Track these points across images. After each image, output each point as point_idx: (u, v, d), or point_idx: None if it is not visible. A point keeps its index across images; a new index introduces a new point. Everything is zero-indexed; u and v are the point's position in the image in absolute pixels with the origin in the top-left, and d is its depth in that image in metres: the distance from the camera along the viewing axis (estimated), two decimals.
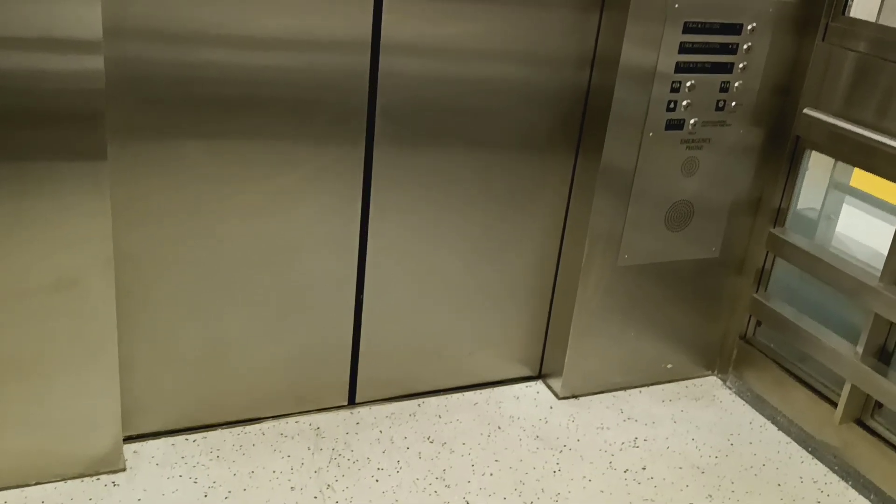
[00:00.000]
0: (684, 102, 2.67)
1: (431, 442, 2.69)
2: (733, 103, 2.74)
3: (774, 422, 2.97)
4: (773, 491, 2.65)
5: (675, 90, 2.65)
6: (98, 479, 2.39)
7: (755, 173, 2.91)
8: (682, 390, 3.12)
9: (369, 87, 2.44)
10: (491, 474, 2.58)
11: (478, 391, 2.97)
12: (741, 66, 2.70)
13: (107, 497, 2.34)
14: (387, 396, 2.85)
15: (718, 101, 2.72)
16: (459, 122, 2.58)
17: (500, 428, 2.79)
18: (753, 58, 2.71)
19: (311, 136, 2.40)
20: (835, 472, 2.75)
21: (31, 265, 2.14)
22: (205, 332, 2.51)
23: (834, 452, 2.77)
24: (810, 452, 2.84)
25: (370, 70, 2.42)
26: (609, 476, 2.63)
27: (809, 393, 2.86)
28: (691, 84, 2.66)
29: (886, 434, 2.64)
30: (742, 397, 3.10)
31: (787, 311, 2.91)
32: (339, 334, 2.69)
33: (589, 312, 2.88)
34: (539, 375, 3.08)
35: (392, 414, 2.80)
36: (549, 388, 3.02)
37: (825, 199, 3.00)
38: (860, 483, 2.68)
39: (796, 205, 2.95)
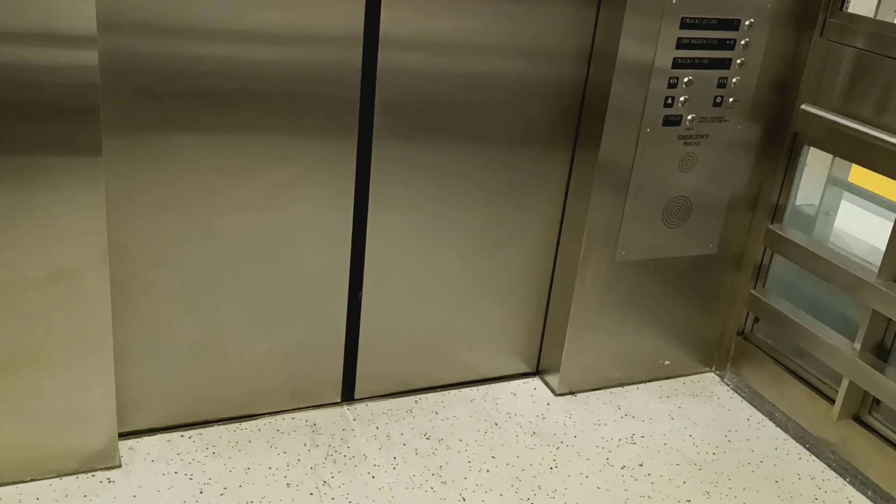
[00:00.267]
0: (682, 98, 2.66)
1: (428, 438, 2.68)
2: (731, 99, 2.74)
3: (772, 418, 2.97)
4: (770, 487, 2.65)
5: (672, 86, 2.64)
6: (93, 475, 2.39)
7: (753, 169, 2.90)
8: (679, 386, 3.11)
9: (367, 81, 2.43)
10: (487, 471, 2.58)
11: (475, 387, 2.96)
12: (739, 61, 2.69)
13: (102, 493, 2.33)
14: (384, 392, 2.85)
15: (716, 97, 2.72)
16: (458, 116, 2.58)
17: (496, 424, 2.79)
18: (751, 54, 2.70)
19: (306, 129, 2.39)
20: (832, 468, 2.75)
21: (26, 259, 2.13)
22: (201, 327, 2.50)
23: (832, 449, 2.76)
24: (808, 449, 2.83)
25: (368, 64, 2.41)
26: (606, 472, 2.63)
27: (807, 389, 2.85)
28: (689, 80, 2.65)
29: (884, 430, 2.63)
30: (740, 393, 3.10)
31: (785, 308, 2.91)
32: (337, 329, 2.68)
33: (586, 308, 2.87)
34: (536, 371, 3.07)
35: (389, 410, 2.79)
36: (547, 384, 3.02)
37: (823, 195, 2.99)
38: (858, 479, 2.67)
39: (794, 201, 2.94)
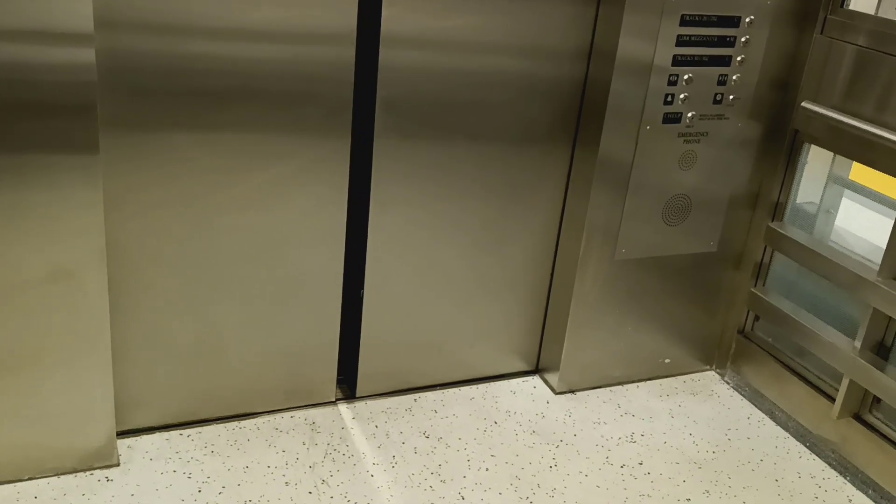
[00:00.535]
0: (682, 96, 2.66)
1: (427, 437, 2.68)
2: (731, 97, 2.73)
3: (772, 417, 2.96)
4: (770, 486, 2.64)
5: (672, 83, 2.63)
6: (91, 473, 2.38)
7: (753, 167, 2.89)
8: (679, 385, 3.11)
9: (368, 79, 2.43)
10: (486, 469, 2.57)
11: (474, 386, 2.96)
12: (739, 59, 2.68)
13: (100, 492, 2.33)
14: (383, 391, 2.84)
15: (716, 95, 2.71)
16: (458, 115, 2.57)
17: (496, 423, 2.78)
18: (751, 51, 2.69)
19: (301, 128, 2.38)
20: (833, 467, 2.74)
21: (24, 258, 2.13)
22: (200, 326, 2.50)
23: (832, 447, 2.75)
24: (808, 447, 2.82)
25: (370, 63, 2.41)
26: (605, 471, 2.62)
27: (807, 388, 2.84)
28: (689, 77, 2.64)
29: (884, 429, 2.63)
30: (740, 392, 3.09)
31: (786, 306, 2.90)
32: (334, 327, 2.68)
33: (586, 307, 2.87)
34: (536, 370, 3.07)
35: (388, 409, 2.79)
36: (546, 382, 3.01)
37: (824, 193, 2.98)
38: (858, 478, 2.67)
39: (795, 199, 2.93)
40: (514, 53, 2.56)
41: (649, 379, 3.11)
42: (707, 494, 2.58)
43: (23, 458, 2.31)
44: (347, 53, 2.35)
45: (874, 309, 2.57)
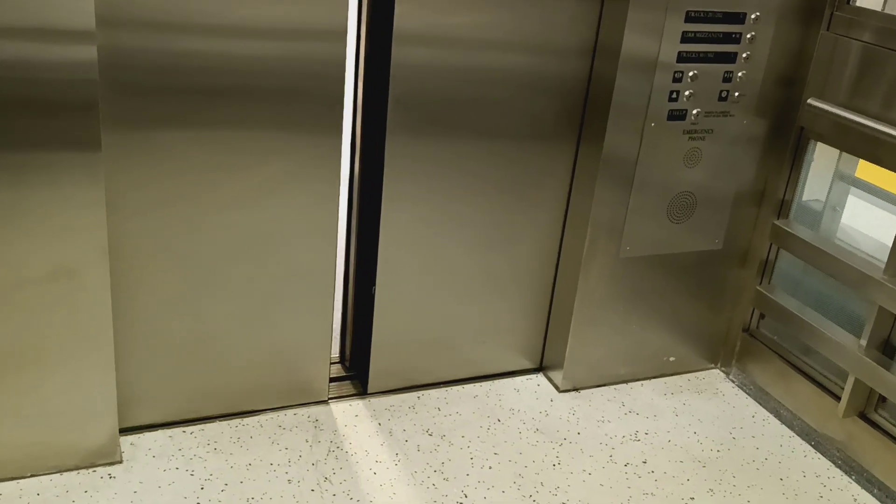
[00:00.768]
0: (686, 92, 2.64)
1: (430, 434, 2.67)
2: (737, 94, 2.71)
3: (777, 415, 2.95)
4: (775, 485, 2.63)
5: (677, 80, 2.62)
6: (94, 471, 2.38)
7: (759, 164, 2.88)
8: (684, 383, 3.10)
9: (381, 77, 2.44)
10: (490, 467, 2.57)
11: (478, 384, 2.95)
12: (745, 55, 2.67)
13: (103, 489, 2.33)
14: (391, 388, 2.84)
15: (721, 92, 2.69)
16: (464, 111, 2.57)
17: (499, 421, 2.78)
18: (757, 47, 2.68)
19: (295, 124, 2.37)
20: (838, 466, 2.73)
21: (26, 256, 2.13)
22: (202, 323, 2.49)
23: (837, 446, 2.74)
24: (813, 446, 2.81)
25: (382, 60, 2.42)
26: (609, 469, 2.61)
27: (813, 386, 2.83)
28: (694, 74, 2.62)
29: (890, 428, 2.61)
30: (745, 390, 3.08)
31: (791, 304, 2.88)
32: (328, 325, 2.67)
33: (590, 304, 2.86)
34: (540, 368, 3.06)
35: (391, 406, 2.78)
36: (550, 380, 3.00)
37: (830, 190, 2.97)
38: (864, 477, 2.65)
39: (801, 196, 2.92)
40: (519, 50, 2.56)
41: (654, 377, 3.10)
42: (711, 493, 2.57)
43: (25, 455, 2.31)
44: (340, 50, 2.33)
45: (880, 307, 2.56)
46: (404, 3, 2.36)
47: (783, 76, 2.77)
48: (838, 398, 2.73)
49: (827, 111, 2.64)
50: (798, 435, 2.86)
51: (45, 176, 2.07)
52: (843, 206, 2.96)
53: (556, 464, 2.61)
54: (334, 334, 2.73)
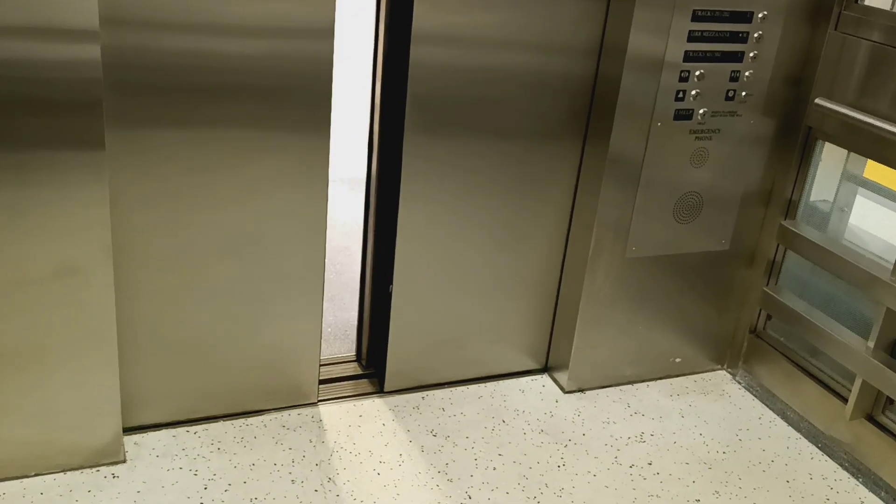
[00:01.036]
0: (693, 92, 2.63)
1: (434, 435, 2.66)
2: (744, 93, 2.70)
3: (784, 417, 2.93)
4: (781, 487, 2.61)
5: (683, 79, 2.61)
6: (98, 470, 2.38)
7: (766, 164, 2.86)
8: (690, 384, 3.08)
9: (399, 77, 2.45)
10: (494, 468, 2.56)
11: (483, 384, 2.94)
12: (752, 55, 2.65)
13: (106, 488, 2.33)
14: (391, 388, 2.83)
15: (728, 91, 2.68)
16: (475, 110, 2.57)
17: (504, 421, 2.77)
18: (764, 47, 2.66)
19: (282, 123, 2.36)
20: (845, 468, 2.71)
21: (30, 255, 2.13)
22: (206, 322, 2.49)
23: (844, 448, 2.72)
24: (820, 448, 2.79)
25: (401, 60, 2.43)
26: (614, 471, 2.60)
27: (820, 388, 2.81)
28: (700, 73, 2.61)
29: None
30: (751, 392, 3.06)
31: (798, 305, 2.87)
32: (317, 325, 2.66)
33: (596, 305, 2.84)
34: (545, 368, 3.05)
35: (395, 407, 2.77)
36: (555, 381, 2.99)
37: (838, 190, 2.95)
38: (871, 480, 2.64)
39: (808, 197, 2.90)
40: (526, 49, 2.55)
41: (660, 378, 3.08)
42: (717, 495, 2.55)
43: (29, 454, 2.31)
44: (326, 48, 2.32)
45: (888, 308, 2.54)
46: (422, 4, 2.36)
47: (791, 76, 2.75)
48: (845, 400, 2.71)
49: (835, 111, 2.62)
50: (805, 437, 2.85)
51: (49, 175, 2.07)
52: (850, 207, 2.94)
53: (561, 465, 2.60)
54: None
